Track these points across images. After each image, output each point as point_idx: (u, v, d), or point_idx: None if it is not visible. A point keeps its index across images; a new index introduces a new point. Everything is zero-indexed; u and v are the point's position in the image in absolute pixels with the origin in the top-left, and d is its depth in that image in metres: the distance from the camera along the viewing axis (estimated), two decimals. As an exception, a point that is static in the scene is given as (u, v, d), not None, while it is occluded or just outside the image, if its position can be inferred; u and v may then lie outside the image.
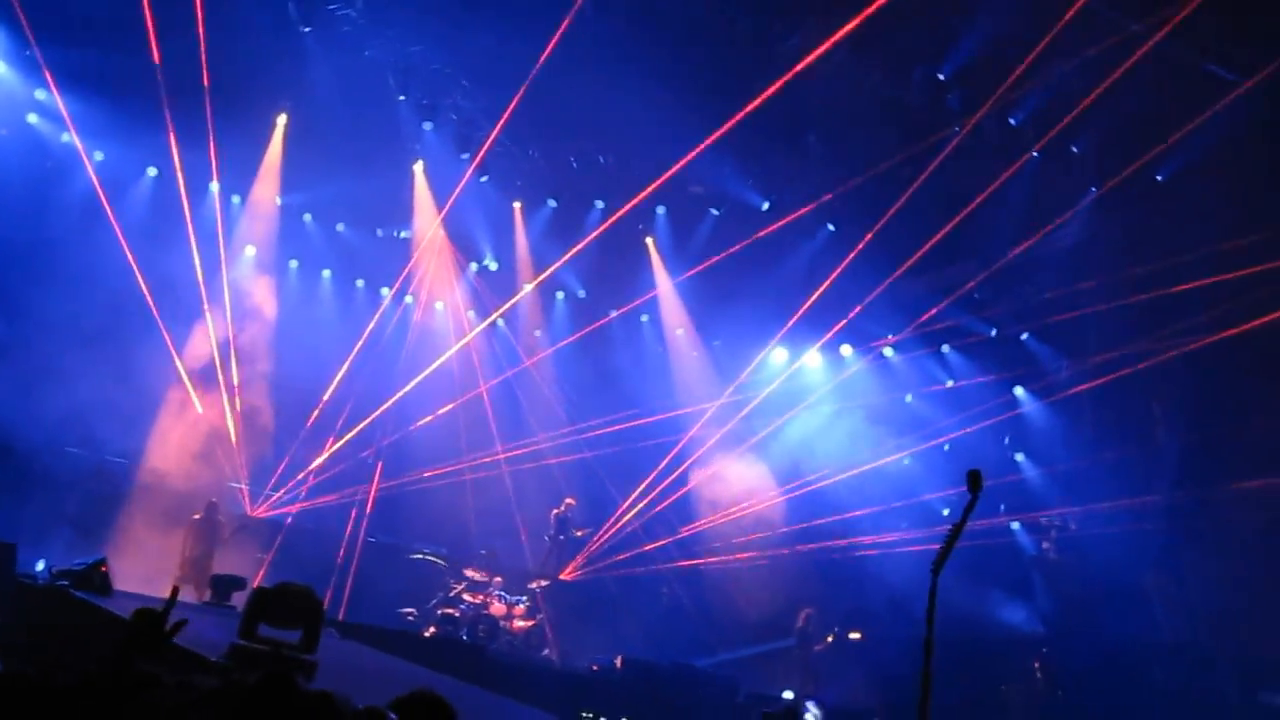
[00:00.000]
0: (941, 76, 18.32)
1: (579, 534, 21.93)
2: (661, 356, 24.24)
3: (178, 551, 18.49)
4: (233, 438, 21.60)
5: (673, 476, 22.60)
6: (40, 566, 14.89)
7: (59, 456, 19.58)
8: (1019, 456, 21.08)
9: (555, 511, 22.00)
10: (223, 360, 21.56)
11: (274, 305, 22.40)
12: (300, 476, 22.17)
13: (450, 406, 23.12)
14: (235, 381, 21.73)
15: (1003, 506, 20.52)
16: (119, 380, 19.35)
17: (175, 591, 4.45)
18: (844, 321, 21.31)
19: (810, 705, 12.40)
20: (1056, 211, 19.68)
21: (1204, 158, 17.45)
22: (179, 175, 20.46)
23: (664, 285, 23.55)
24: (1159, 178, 18.35)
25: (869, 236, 19.59)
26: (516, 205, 23.26)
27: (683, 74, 18.61)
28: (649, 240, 23.40)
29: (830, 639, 19.90)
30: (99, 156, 20.86)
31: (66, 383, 18.82)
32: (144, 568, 17.04)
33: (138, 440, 20.79)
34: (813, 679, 18.95)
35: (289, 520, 21.52)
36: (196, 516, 18.98)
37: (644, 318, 24.56)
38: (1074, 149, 18.88)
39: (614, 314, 24.55)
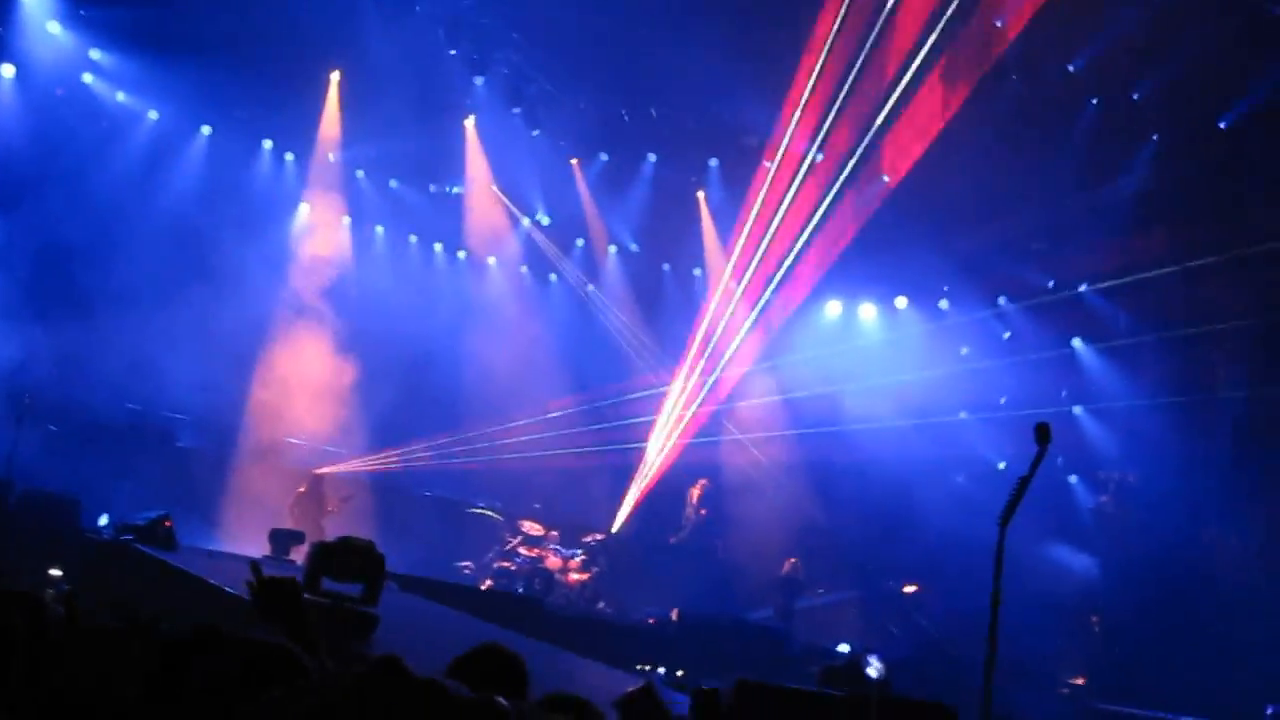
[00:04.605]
0: (999, 23, 17.98)
1: (702, 513, 21.99)
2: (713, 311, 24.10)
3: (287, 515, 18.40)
4: (307, 394, 21.34)
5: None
6: (104, 521, 15.10)
7: (124, 413, 19.79)
8: (1077, 409, 20.81)
9: (693, 490, 22.09)
10: (294, 316, 21.53)
11: (347, 262, 22.47)
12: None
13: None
14: (307, 337, 21.55)
15: (1060, 459, 20.28)
16: (184, 338, 19.43)
17: (257, 566, 4.34)
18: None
19: (872, 659, 12.30)
20: (1116, 160, 19.34)
21: (1269, 102, 17.04)
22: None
23: (713, 239, 23.45)
24: (1222, 125, 17.95)
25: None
26: (574, 161, 23.18)
27: (734, 23, 18.42)
28: (700, 194, 23.28)
29: (821, 592, 19.74)
30: (153, 115, 21.00)
31: (130, 340, 18.99)
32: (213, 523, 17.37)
33: (206, 397, 20.78)
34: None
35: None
36: (301, 490, 19.06)
37: (696, 271, 24.46)
38: (1134, 96, 18.49)
39: (666, 268, 24.54)
